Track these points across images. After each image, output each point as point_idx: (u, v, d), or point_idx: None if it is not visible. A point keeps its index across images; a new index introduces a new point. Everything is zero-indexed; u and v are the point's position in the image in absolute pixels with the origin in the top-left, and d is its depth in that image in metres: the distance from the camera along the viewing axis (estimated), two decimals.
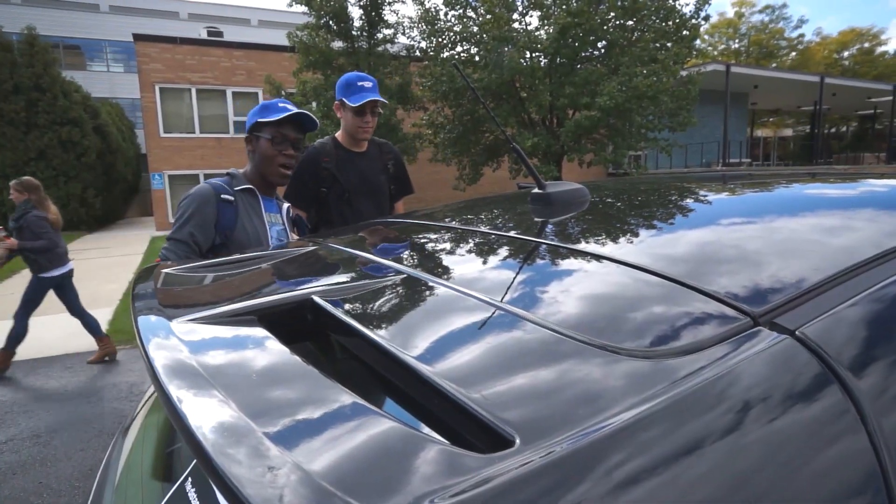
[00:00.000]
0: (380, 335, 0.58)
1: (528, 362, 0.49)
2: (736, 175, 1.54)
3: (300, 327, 0.68)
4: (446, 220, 1.21)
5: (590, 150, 12.65)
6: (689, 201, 1.13)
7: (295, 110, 1.75)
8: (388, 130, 13.15)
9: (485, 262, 0.80)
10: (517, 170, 13.68)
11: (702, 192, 1.22)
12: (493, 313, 0.59)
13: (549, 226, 1.01)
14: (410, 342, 0.56)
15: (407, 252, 0.98)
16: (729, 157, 18.72)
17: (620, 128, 12.37)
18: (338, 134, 2.45)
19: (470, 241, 0.96)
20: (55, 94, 14.74)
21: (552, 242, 0.84)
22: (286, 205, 1.94)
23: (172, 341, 0.58)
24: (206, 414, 0.44)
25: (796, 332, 0.50)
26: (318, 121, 1.81)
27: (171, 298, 0.77)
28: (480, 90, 12.16)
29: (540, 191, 1.08)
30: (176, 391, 0.48)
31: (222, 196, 1.73)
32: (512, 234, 0.96)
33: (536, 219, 1.13)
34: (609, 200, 1.24)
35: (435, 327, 0.60)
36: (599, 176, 19.31)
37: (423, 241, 1.06)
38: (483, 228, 1.04)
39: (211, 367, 0.52)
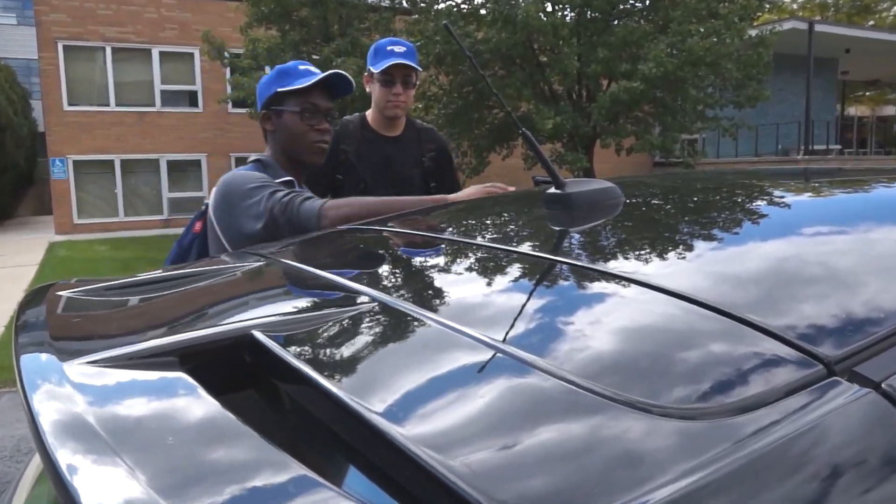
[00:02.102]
0: (338, 383, 0.58)
1: (529, 423, 0.50)
2: (821, 171, 1.56)
3: (236, 372, 0.68)
4: (434, 228, 1.22)
5: (630, 132, 12.73)
6: (756, 206, 1.14)
7: (322, 73, 1.84)
8: (366, 102, 13.18)
9: (480, 287, 0.81)
10: (534, 158, 13.74)
11: (774, 195, 1.23)
12: (488, 356, 0.59)
13: (568, 237, 1.01)
14: (378, 393, 0.56)
15: (381, 272, 0.98)
16: (813, 143, 18.85)
17: (670, 103, 12.45)
18: (368, 112, 2.57)
19: (463, 257, 0.97)
20: None
21: (569, 261, 0.85)
22: None
23: (65, 390, 0.58)
24: (103, 489, 0.45)
25: (882, 385, 0.51)
26: (353, 81, 1.89)
27: (66, 331, 0.78)
28: (487, 52, 12.23)
29: (557, 191, 1.10)
30: (66, 458, 0.48)
31: None
32: (518, 248, 0.97)
33: (552, 227, 1.14)
34: (649, 204, 1.25)
35: (411, 373, 0.60)
36: (643, 167, 19.43)
37: (402, 256, 1.06)
38: (480, 241, 1.05)
39: (114, 427, 0.52)
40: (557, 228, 1.12)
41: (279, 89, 1.84)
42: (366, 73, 2.51)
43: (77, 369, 0.62)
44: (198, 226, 1.95)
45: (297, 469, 0.47)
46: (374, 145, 2.51)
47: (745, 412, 0.49)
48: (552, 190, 1.12)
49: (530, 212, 1.29)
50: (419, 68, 2.48)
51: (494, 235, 1.14)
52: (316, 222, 1.59)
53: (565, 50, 12.04)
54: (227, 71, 15.54)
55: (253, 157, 1.92)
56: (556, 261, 0.86)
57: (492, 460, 0.46)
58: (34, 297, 0.94)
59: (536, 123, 11.89)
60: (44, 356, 0.66)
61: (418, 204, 1.67)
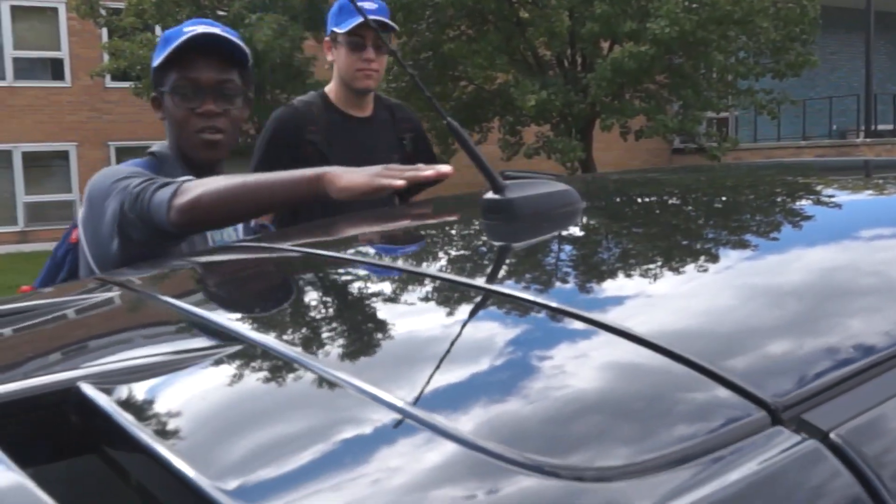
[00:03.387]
0: (186, 455, 0.59)
1: (411, 495, 0.53)
2: (884, 164, 1.61)
3: (56, 437, 0.69)
4: (340, 245, 1.24)
5: (639, 110, 12.84)
6: (724, 216, 1.20)
7: (198, 30, 1.80)
8: (290, 75, 13.17)
9: (380, 325, 0.84)
10: (516, 144, 13.79)
11: (763, 199, 1.28)
12: (389, 418, 0.62)
13: (506, 257, 1.05)
14: (239, 468, 0.58)
15: (257, 306, 1.01)
16: (876, 123, 19.14)
17: (690, 73, 12.60)
18: (328, 88, 2.63)
19: (363, 282, 1.00)
20: None
21: (499, 289, 0.88)
22: None
23: None
24: None
25: (830, 435, 0.55)
26: (245, 48, 1.86)
27: None
28: (450, 6, 12.29)
29: (494, 196, 1.13)
30: None
31: None
32: (440, 272, 1.01)
33: (491, 242, 1.17)
34: (621, 211, 1.29)
35: (283, 440, 0.62)
36: (659, 155, 19.58)
37: (287, 285, 1.09)
38: (399, 263, 1.09)
39: None
40: (496, 242, 1.16)
41: (154, 65, 1.84)
42: (327, 38, 2.58)
43: None
44: (74, 234, 1.90)
45: None
46: (345, 129, 2.56)
47: (670, 468, 0.52)
48: (489, 195, 1.14)
49: (469, 222, 1.32)
50: (395, 27, 2.54)
51: (417, 255, 1.17)
52: (165, 216, 1.47)
53: (552, 3, 12.10)
54: (104, 33, 15.36)
55: (152, 147, 1.90)
56: (482, 289, 0.89)
57: None
58: None
59: (516, 100, 11.92)
60: None
61: (290, 184, 1.53)
